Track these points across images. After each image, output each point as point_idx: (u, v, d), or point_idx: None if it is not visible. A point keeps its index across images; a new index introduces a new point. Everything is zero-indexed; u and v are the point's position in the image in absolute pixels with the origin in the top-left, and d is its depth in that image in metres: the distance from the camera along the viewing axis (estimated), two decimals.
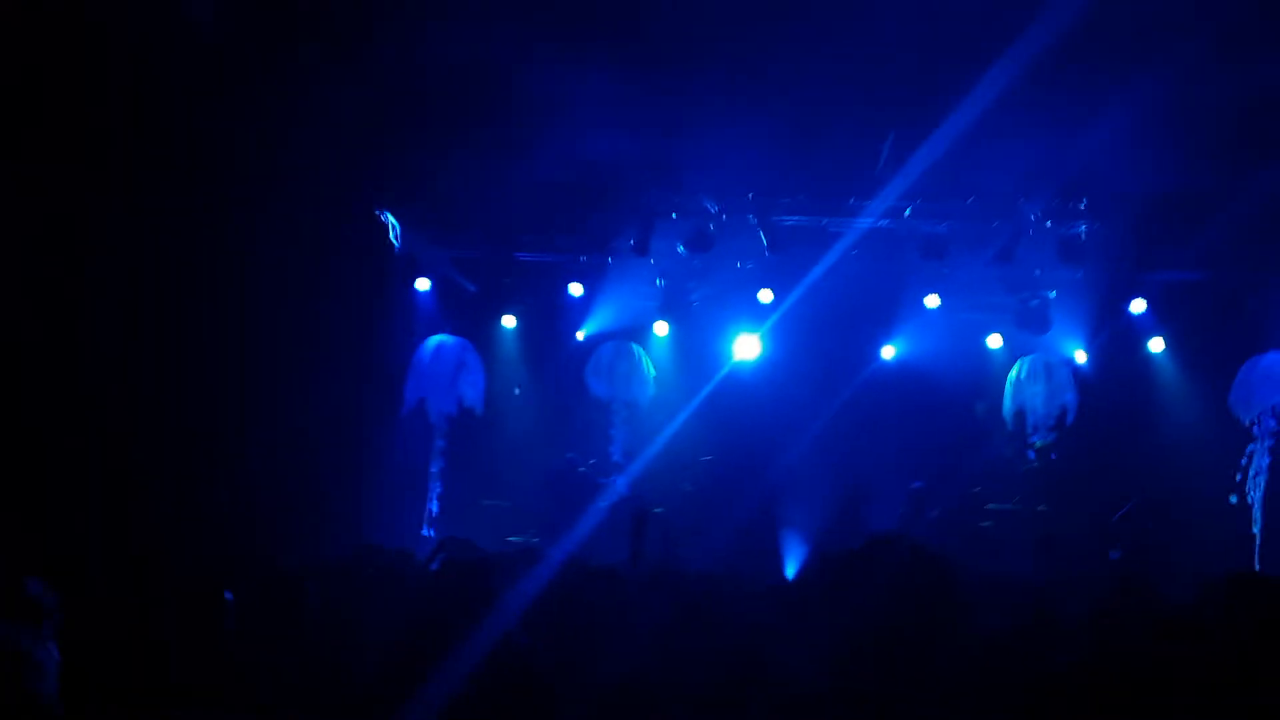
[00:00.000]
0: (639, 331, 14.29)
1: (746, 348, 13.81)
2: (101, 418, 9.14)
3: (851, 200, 12.80)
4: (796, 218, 13.11)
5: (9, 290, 8.48)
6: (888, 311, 13.82)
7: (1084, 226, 12.75)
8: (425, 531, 12.85)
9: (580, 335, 14.30)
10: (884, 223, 12.95)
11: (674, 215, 13.12)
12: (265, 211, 10.48)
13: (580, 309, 14.19)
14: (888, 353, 13.89)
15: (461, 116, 11.60)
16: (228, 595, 4.18)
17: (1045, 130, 11.24)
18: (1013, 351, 13.88)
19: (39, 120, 8.49)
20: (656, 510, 12.85)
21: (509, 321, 14.32)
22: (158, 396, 9.78)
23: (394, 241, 13.35)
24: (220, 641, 4.01)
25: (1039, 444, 13.48)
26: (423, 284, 13.83)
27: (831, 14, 10.18)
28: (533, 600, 3.77)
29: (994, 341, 14.11)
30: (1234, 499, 12.44)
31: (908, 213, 12.84)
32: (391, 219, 13.27)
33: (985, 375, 14.08)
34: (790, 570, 11.21)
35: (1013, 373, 13.69)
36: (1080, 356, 13.70)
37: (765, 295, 13.58)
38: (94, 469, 8.86)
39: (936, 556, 2.51)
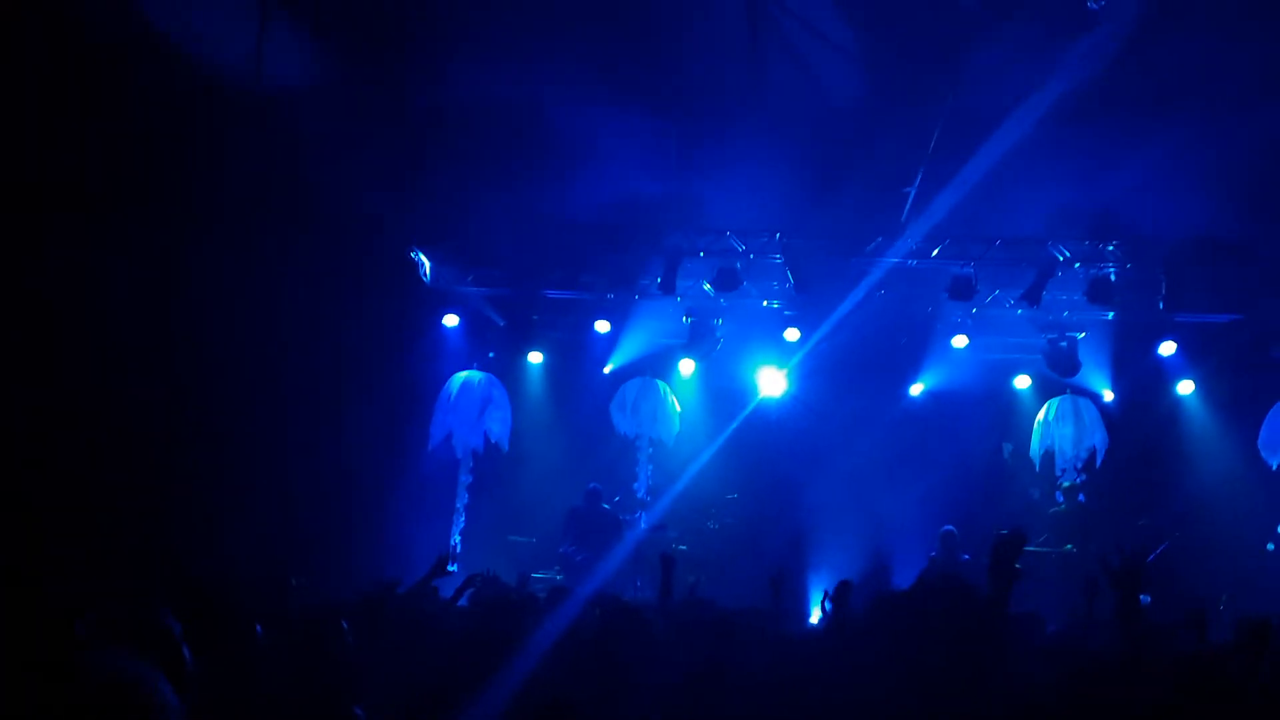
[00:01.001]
0: (665, 369, 14.31)
1: (772, 383, 13.81)
2: (135, 449, 9.20)
3: (879, 239, 12.79)
4: (823, 257, 13.10)
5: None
6: (915, 351, 13.79)
7: (1113, 268, 12.71)
8: (450, 567, 12.84)
9: (606, 371, 14.33)
10: (911, 262, 12.94)
11: (701, 254, 13.16)
12: (297, 246, 10.57)
13: (607, 346, 14.23)
14: (915, 391, 13.85)
15: (492, 155, 11.69)
16: (257, 629, 4.19)
17: (1075, 172, 11.24)
18: (1041, 392, 13.81)
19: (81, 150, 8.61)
20: (681, 548, 12.84)
21: (536, 358, 14.38)
22: (185, 426, 9.85)
23: (424, 278, 13.45)
24: (249, 675, 4.01)
25: (1067, 485, 13.39)
26: (451, 320, 13.91)
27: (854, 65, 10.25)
28: (561, 638, 3.77)
29: (1022, 382, 14.05)
30: (1271, 546, 12.28)
31: (935, 253, 12.83)
32: (421, 256, 13.38)
33: (1013, 416, 14.02)
34: (815, 611, 11.14)
35: (1041, 414, 13.61)
36: (1109, 397, 13.62)
37: (791, 334, 13.59)
38: (127, 501, 8.91)
39: (989, 599, 2.48)
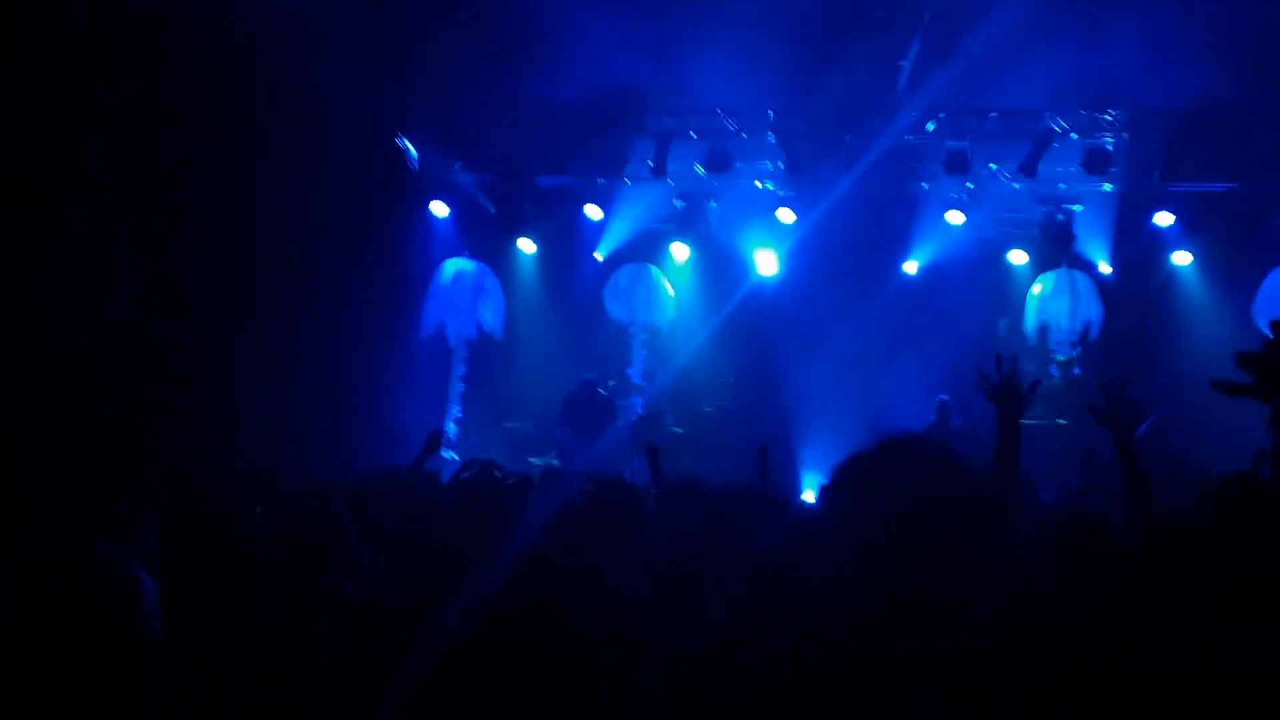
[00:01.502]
0: (658, 254, 14.20)
1: (766, 263, 13.72)
2: (127, 338, 9.15)
3: (874, 116, 12.57)
4: (817, 135, 12.89)
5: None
6: (910, 228, 13.67)
7: (1110, 139, 12.52)
8: (447, 454, 12.93)
9: (598, 257, 14.23)
10: (907, 138, 12.75)
11: (692, 135, 12.95)
12: (279, 137, 10.39)
13: (598, 232, 14.10)
14: (910, 268, 13.77)
15: (475, 39, 11.45)
16: (258, 510, 4.21)
17: (1072, 42, 11.00)
18: (1037, 267, 13.73)
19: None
20: (676, 431, 12.90)
21: (527, 246, 14.25)
22: (179, 321, 9.80)
23: (412, 166, 13.26)
24: (255, 556, 4.04)
25: (1061, 359, 13.41)
26: (440, 209, 13.74)
27: None
28: (553, 514, 3.77)
29: (1018, 257, 13.96)
30: None
31: (931, 127, 12.62)
32: (408, 144, 13.16)
33: (1008, 292, 13.96)
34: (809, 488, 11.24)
35: (1036, 288, 13.55)
36: (1105, 270, 13.55)
37: (785, 215, 13.43)
38: (121, 394, 8.89)
39: (961, 459, 2.41)
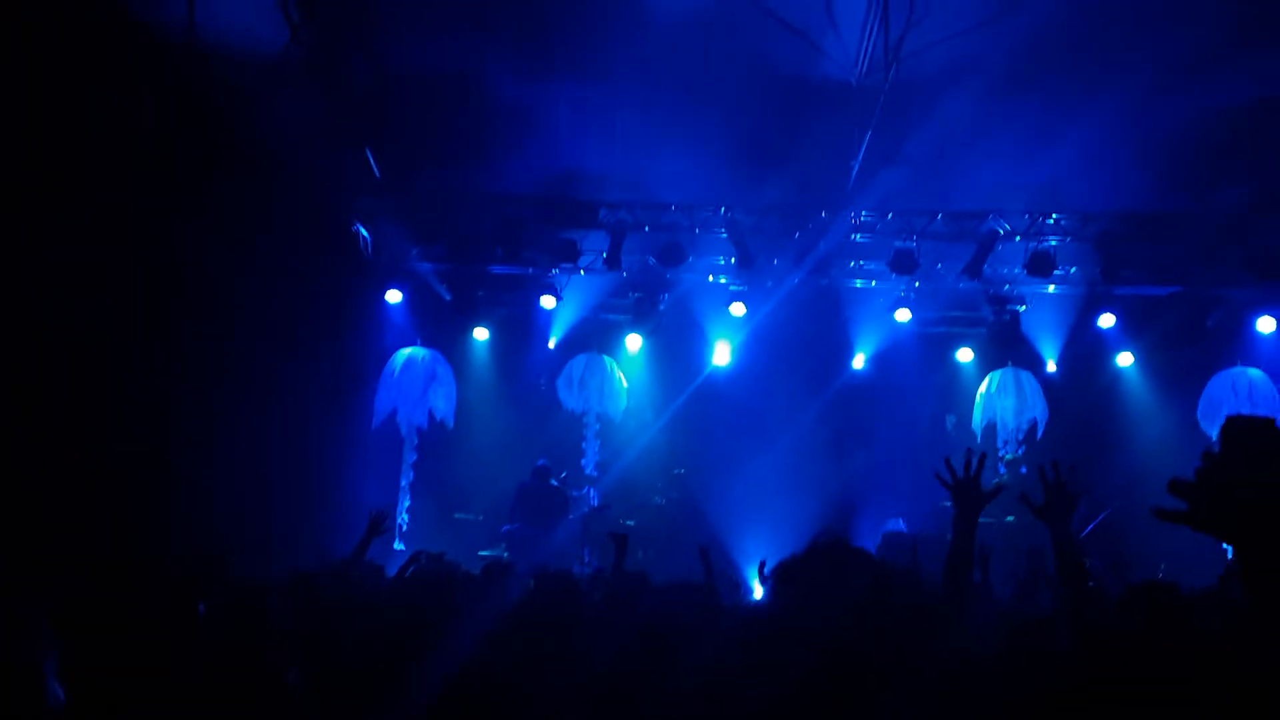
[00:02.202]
0: (611, 344, 14.27)
1: (721, 354, 13.87)
2: (72, 421, 9.01)
3: (823, 214, 12.82)
4: (768, 231, 13.11)
5: None
6: (858, 323, 13.87)
7: (1054, 241, 12.83)
8: (397, 545, 12.77)
9: (552, 346, 14.28)
10: (855, 236, 13.00)
11: (646, 228, 13.12)
12: (238, 219, 10.37)
13: (552, 321, 14.17)
14: (858, 362, 13.94)
15: (431, 128, 11.59)
16: (200, 607, 4.14)
17: (1015, 145, 11.32)
18: (983, 366, 13.94)
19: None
20: (628, 523, 12.84)
21: (481, 334, 14.27)
22: (127, 402, 9.66)
23: (365, 252, 13.29)
24: (194, 652, 3.97)
25: (1008, 457, 13.55)
26: (394, 296, 13.76)
27: (795, 32, 10.27)
28: (497, 616, 3.73)
29: (964, 355, 14.18)
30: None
31: (878, 228, 12.89)
32: (363, 230, 13.20)
33: (956, 389, 14.15)
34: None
35: (983, 386, 13.74)
36: (1051, 368, 13.79)
37: (737, 309, 13.60)
38: (61, 475, 8.73)
39: (896, 568, 2.43)
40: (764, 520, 12.49)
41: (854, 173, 11.98)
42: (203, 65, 9.25)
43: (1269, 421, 1.97)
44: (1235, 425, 1.97)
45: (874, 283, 13.70)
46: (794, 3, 10.12)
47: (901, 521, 12.45)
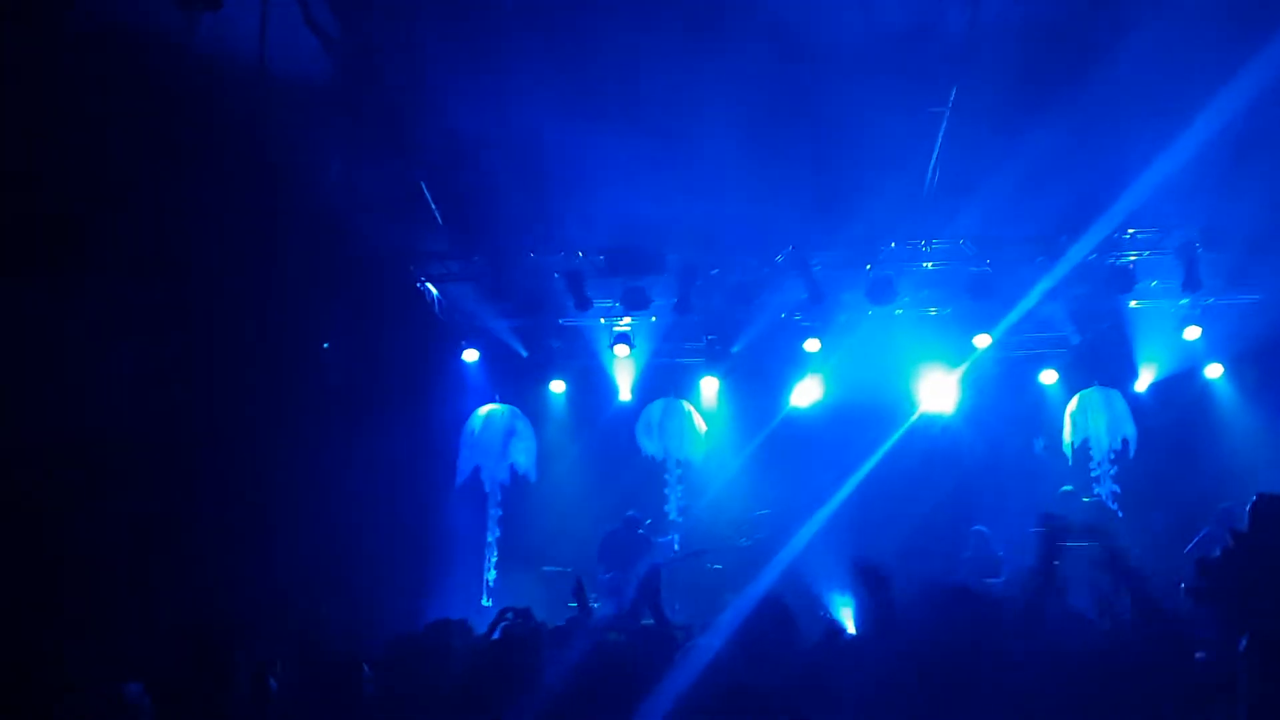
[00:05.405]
0: (687, 388, 14.28)
1: (805, 392, 13.77)
2: (160, 490, 9.14)
3: (892, 244, 12.71)
4: (838, 266, 13.01)
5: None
6: (937, 352, 13.69)
7: (1133, 256, 12.55)
8: (485, 602, 12.84)
9: (628, 395, 14.32)
10: (927, 265, 12.87)
11: (714, 270, 13.12)
12: (312, 285, 10.53)
13: (627, 369, 14.22)
14: (938, 395, 13.74)
15: (500, 186, 11.75)
16: (271, 683, 4.19)
17: (1092, 163, 11.13)
18: (1068, 386, 13.68)
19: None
20: (716, 567, 12.76)
21: (558, 387, 14.38)
22: (210, 472, 9.80)
23: (438, 314, 13.48)
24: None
25: (1099, 475, 13.25)
26: (470, 355, 13.93)
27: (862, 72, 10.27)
28: (577, 667, 3.74)
29: (1048, 377, 13.92)
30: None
31: (949, 255, 12.75)
32: (432, 289, 13.39)
33: (1041, 411, 13.89)
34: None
35: (1072, 405, 13.48)
36: (1139, 386, 13.50)
37: (812, 345, 13.52)
38: (150, 544, 8.85)
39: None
40: (851, 551, 12.27)
41: (925, 201, 11.90)
42: (273, 133, 9.44)
43: None
44: (1265, 505, 1.93)
45: (950, 309, 13.52)
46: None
47: (984, 527, 12.21)
